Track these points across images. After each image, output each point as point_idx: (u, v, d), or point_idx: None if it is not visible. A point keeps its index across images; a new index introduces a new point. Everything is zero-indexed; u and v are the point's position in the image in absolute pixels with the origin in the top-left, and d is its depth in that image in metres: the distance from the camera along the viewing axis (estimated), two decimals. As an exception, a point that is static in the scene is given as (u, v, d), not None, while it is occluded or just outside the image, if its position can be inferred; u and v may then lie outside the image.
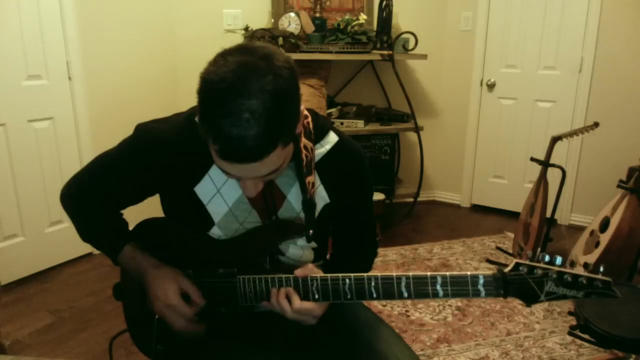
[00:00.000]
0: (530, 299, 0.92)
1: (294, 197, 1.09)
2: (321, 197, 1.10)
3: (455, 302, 2.57)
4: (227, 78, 0.82)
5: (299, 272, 1.03)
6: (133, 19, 3.14)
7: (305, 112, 1.07)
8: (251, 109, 0.81)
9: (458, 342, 2.26)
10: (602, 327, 1.61)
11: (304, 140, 1.04)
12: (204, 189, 1.06)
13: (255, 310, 1.12)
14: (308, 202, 1.06)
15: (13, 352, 2.14)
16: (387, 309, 2.51)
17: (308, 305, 1.02)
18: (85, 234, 1.20)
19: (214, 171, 1.05)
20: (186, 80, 3.44)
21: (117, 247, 1.14)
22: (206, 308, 1.10)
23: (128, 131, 1.13)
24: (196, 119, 1.05)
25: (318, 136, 1.09)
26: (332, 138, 1.11)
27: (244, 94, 0.81)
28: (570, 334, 1.87)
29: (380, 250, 3.18)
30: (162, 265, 1.10)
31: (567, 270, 0.89)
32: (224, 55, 0.86)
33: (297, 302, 1.02)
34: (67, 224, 2.90)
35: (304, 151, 1.04)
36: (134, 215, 1.23)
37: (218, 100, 0.82)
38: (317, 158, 1.08)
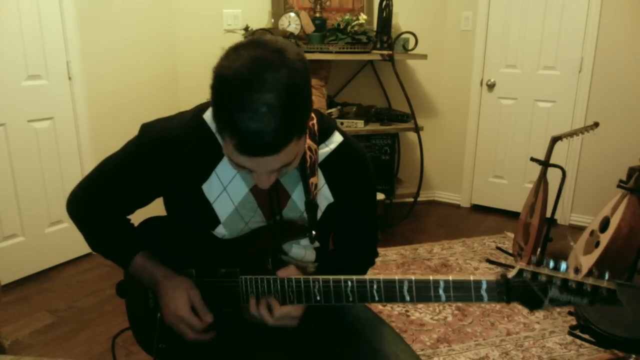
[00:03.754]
0: (533, 305, 0.91)
1: (298, 197, 1.09)
2: (325, 196, 1.10)
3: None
4: (241, 72, 0.82)
5: (281, 273, 1.04)
6: (133, 20, 3.14)
7: (312, 114, 1.07)
8: (268, 102, 0.81)
9: (458, 342, 2.26)
10: (602, 327, 1.61)
11: (307, 142, 1.04)
12: (210, 187, 1.06)
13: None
14: (310, 204, 1.06)
15: (13, 352, 2.13)
16: (387, 309, 2.51)
17: (286, 309, 1.03)
18: (94, 243, 1.19)
19: (221, 169, 1.05)
20: (186, 80, 3.44)
21: (128, 256, 1.13)
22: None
23: (128, 131, 1.12)
24: (204, 116, 1.05)
25: (323, 136, 1.09)
26: (337, 138, 1.11)
27: (260, 88, 0.81)
28: (570, 334, 1.87)
29: (380, 250, 3.18)
30: (173, 276, 1.10)
31: (572, 277, 0.88)
32: (237, 49, 0.86)
33: (278, 309, 1.02)
34: (67, 224, 2.90)
35: (307, 152, 1.04)
36: (136, 214, 1.21)
37: (234, 95, 0.82)
38: (322, 157, 1.09)
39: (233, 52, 0.85)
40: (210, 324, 1.09)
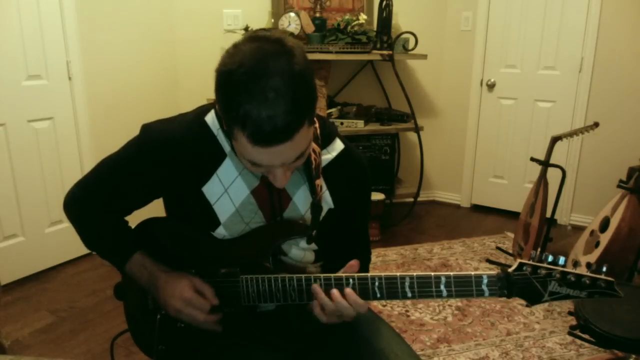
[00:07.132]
0: (533, 299, 0.92)
1: (299, 199, 1.09)
2: (326, 201, 1.11)
3: (455, 302, 2.57)
4: (245, 63, 0.83)
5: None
6: (133, 19, 3.14)
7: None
8: (275, 87, 0.82)
9: (458, 342, 2.26)
10: (602, 327, 1.61)
11: (312, 144, 1.04)
12: (211, 189, 1.06)
13: (257, 310, 1.12)
14: (317, 205, 1.07)
15: (13, 352, 2.13)
16: (387, 309, 2.51)
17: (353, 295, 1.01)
18: (91, 242, 1.18)
19: (222, 171, 1.05)
20: (186, 80, 3.44)
21: (126, 254, 1.12)
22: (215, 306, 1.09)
23: (128, 131, 1.12)
24: (206, 118, 1.05)
25: (325, 142, 1.09)
26: (338, 145, 1.12)
27: (265, 74, 0.82)
28: (570, 334, 1.87)
29: (380, 250, 3.18)
30: (173, 270, 1.10)
31: (571, 270, 0.90)
32: (236, 46, 0.88)
33: (351, 294, 1.00)
34: (67, 224, 2.89)
35: (312, 155, 1.04)
36: (134, 214, 1.21)
37: (241, 85, 0.83)
38: (323, 163, 1.09)
39: (233, 48, 0.87)
40: (215, 306, 1.08)
